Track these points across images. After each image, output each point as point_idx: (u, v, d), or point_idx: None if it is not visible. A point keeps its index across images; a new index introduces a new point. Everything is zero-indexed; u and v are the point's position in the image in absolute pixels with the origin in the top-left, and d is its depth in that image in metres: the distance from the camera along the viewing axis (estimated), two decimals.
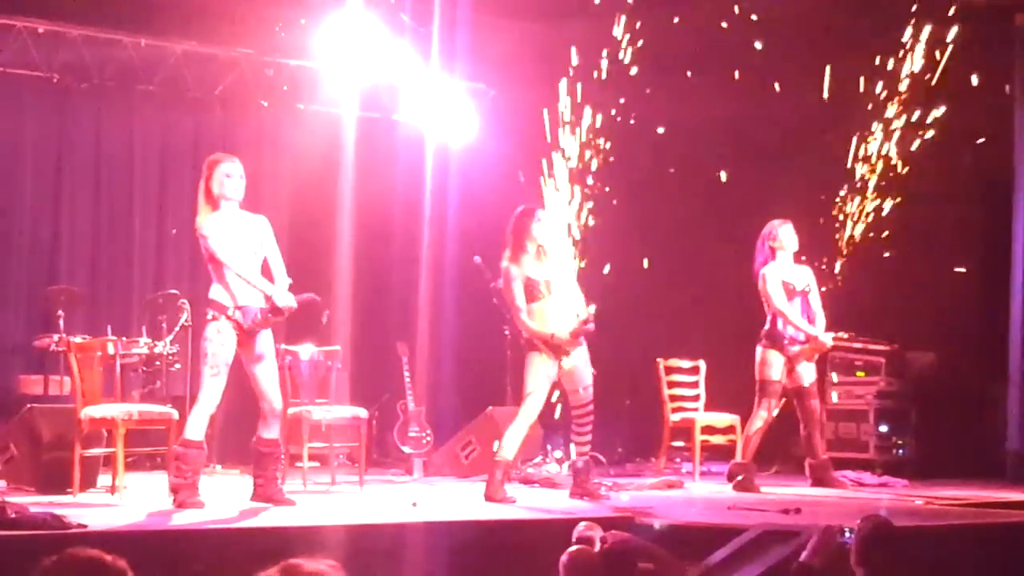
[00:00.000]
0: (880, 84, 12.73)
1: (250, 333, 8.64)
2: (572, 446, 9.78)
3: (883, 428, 12.16)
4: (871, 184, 12.95)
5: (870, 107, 12.82)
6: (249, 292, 8.57)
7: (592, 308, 9.39)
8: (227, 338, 8.58)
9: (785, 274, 10.62)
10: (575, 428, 9.56)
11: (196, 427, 8.61)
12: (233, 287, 8.56)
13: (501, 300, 10.38)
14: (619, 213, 13.81)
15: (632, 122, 13.51)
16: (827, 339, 10.66)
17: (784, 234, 10.68)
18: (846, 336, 10.90)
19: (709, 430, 11.53)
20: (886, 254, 12.78)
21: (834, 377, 12.32)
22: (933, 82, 12.56)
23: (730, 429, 11.45)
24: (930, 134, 12.54)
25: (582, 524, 6.48)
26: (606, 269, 12.91)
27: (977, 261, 12.73)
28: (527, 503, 9.29)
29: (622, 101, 13.31)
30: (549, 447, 11.90)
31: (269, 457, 8.86)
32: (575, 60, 13.08)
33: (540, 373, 9.37)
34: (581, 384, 9.47)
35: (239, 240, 8.64)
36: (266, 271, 8.86)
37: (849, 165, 13.09)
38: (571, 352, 9.38)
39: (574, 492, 9.56)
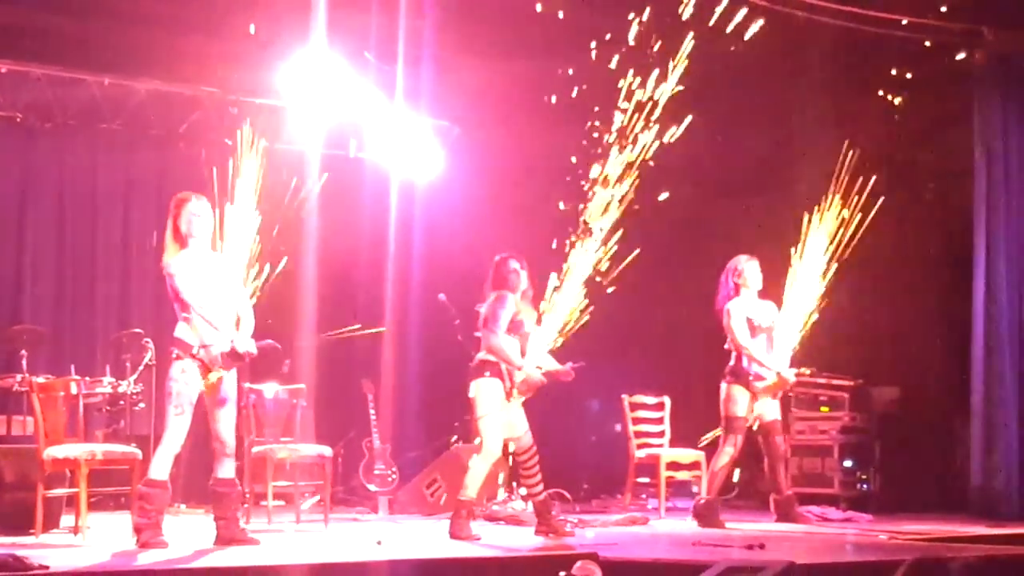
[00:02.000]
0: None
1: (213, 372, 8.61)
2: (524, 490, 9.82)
3: (847, 463, 12.20)
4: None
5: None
6: (213, 332, 8.55)
7: (569, 365, 9.48)
8: (192, 377, 8.55)
9: (749, 310, 10.64)
10: (523, 472, 9.58)
11: (160, 467, 8.56)
12: (198, 326, 8.54)
13: (467, 338, 10.40)
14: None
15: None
16: (790, 375, 10.69)
17: (750, 271, 10.71)
18: (809, 372, 10.92)
19: (674, 466, 11.56)
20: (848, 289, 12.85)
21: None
22: (895, 119, 12.67)
23: (695, 465, 11.48)
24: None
25: (579, 563, 6.48)
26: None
27: (939, 296, 12.79)
28: (492, 541, 9.26)
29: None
30: (514, 484, 11.90)
31: (228, 497, 8.81)
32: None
33: (494, 400, 9.35)
34: (520, 429, 9.49)
35: (206, 280, 8.61)
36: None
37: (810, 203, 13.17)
38: (516, 397, 9.42)
39: (539, 529, 9.54)
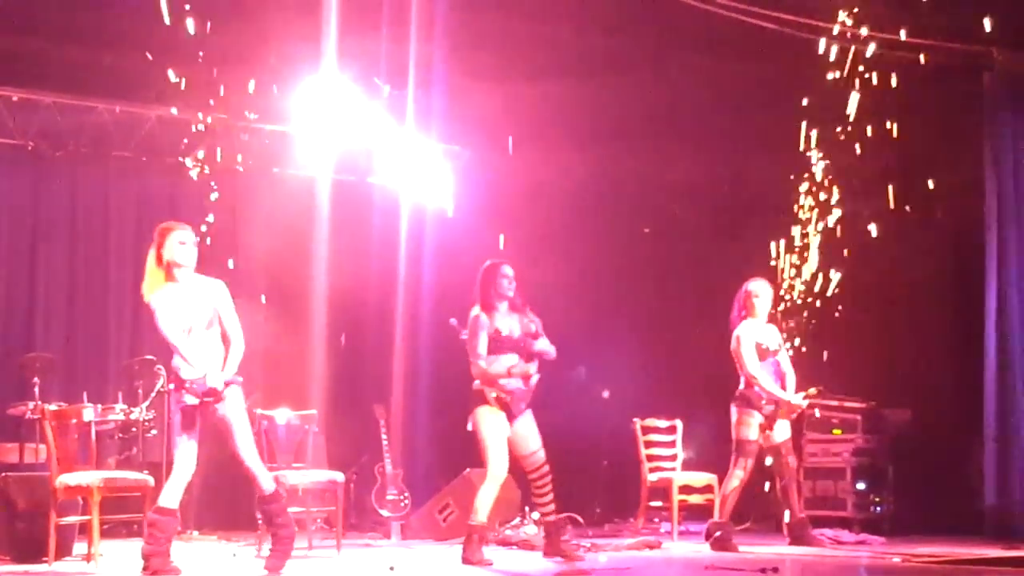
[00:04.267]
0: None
1: (207, 405, 8.51)
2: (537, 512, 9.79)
3: (860, 485, 12.16)
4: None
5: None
6: (191, 369, 8.44)
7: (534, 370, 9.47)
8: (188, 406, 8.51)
9: (758, 335, 10.63)
10: (535, 492, 9.56)
11: (170, 495, 8.51)
12: (177, 365, 8.49)
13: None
14: (594, 273, 13.86)
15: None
16: (798, 400, 10.66)
17: (762, 294, 10.69)
18: (815, 391, 10.91)
19: (687, 489, 11.54)
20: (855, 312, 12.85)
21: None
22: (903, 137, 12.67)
23: (707, 488, 11.46)
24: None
25: None
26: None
27: (951, 317, 12.77)
28: (504, 566, 9.25)
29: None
30: (527, 509, 11.87)
31: (273, 512, 8.67)
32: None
33: (493, 424, 9.36)
34: (530, 448, 9.48)
35: (189, 310, 8.51)
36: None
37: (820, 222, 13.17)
38: (517, 416, 9.40)
39: (547, 551, 9.53)
